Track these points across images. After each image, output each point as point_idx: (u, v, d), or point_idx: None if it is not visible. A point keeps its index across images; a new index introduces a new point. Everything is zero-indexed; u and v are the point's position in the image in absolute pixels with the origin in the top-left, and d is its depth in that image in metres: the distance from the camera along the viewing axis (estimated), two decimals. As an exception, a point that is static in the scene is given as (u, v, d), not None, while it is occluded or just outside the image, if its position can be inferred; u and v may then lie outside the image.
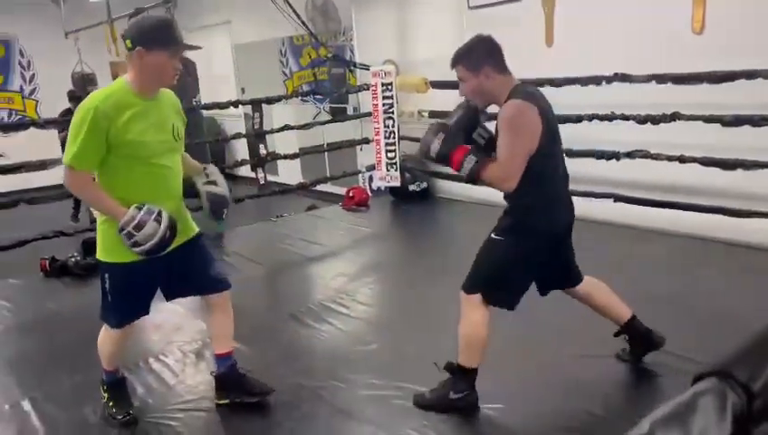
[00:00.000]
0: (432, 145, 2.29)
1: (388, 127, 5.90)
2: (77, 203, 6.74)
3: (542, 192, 2.31)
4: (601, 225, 4.74)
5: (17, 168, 4.49)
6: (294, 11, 5.71)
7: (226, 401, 2.60)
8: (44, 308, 4.00)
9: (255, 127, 5.87)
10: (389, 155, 5.95)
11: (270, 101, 5.99)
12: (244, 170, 8.70)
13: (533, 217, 2.33)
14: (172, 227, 2.23)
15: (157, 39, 2.16)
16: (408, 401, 2.55)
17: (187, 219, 2.46)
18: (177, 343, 3.28)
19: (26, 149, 6.28)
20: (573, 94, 4.66)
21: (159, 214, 2.20)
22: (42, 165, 4.57)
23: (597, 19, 4.71)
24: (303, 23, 5.85)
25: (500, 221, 2.42)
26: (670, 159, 4.26)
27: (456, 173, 2.30)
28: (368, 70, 6.08)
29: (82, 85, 7.75)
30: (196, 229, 2.49)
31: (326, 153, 7.49)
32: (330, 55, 6.74)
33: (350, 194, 6.17)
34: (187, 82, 5.42)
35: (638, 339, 2.64)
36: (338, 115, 7.44)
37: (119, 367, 2.60)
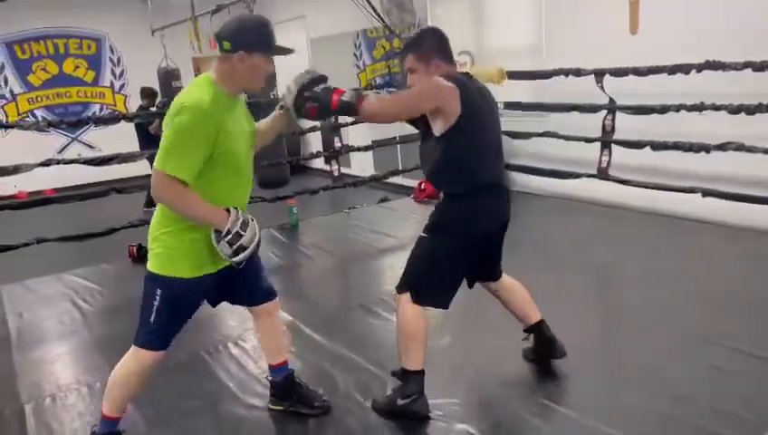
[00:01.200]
0: (311, 87, 2.18)
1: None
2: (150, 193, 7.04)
3: (467, 179, 2.29)
4: (688, 221, 4.52)
5: (109, 159, 4.75)
6: (370, 3, 5.73)
7: (280, 408, 2.55)
8: (132, 293, 4.19)
9: (331, 120, 5.94)
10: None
11: (344, 93, 6.04)
12: (318, 163, 8.87)
13: (459, 211, 2.31)
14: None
15: (259, 43, 2.05)
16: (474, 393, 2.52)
17: None
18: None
19: (116, 141, 6.66)
20: (659, 83, 4.45)
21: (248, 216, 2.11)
22: (131, 157, 4.81)
23: (686, 4, 4.47)
24: (379, 15, 5.86)
25: (429, 216, 2.42)
26: (767, 151, 3.99)
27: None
28: (442, 61, 6.03)
29: (167, 80, 8.10)
30: None
31: (398, 146, 7.50)
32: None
33: (422, 187, 6.15)
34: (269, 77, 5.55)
35: (543, 343, 2.68)
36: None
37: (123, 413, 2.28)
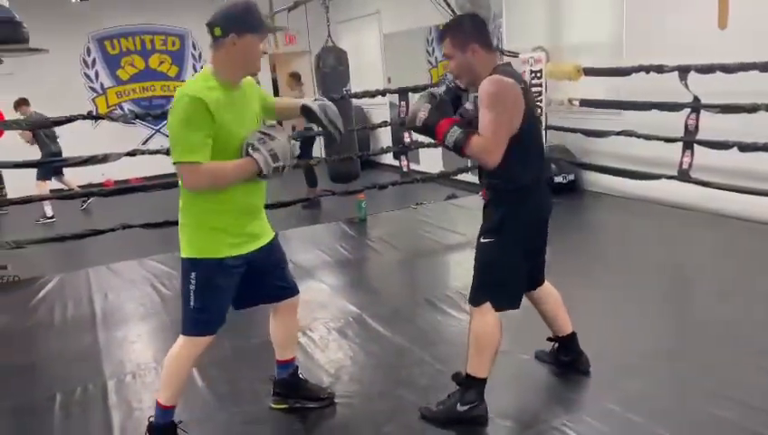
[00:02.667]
0: (419, 114, 2.23)
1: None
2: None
3: (530, 172, 2.27)
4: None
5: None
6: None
7: (284, 407, 2.56)
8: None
9: (401, 115, 5.98)
10: (535, 145, 5.77)
11: (416, 89, 6.06)
12: (388, 158, 8.93)
13: (524, 203, 2.28)
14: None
15: (248, 23, 2.07)
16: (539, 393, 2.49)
17: (267, 222, 2.38)
18: (323, 320, 3.46)
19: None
20: (749, 81, 4.21)
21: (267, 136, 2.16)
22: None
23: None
24: (453, 10, 5.83)
25: (485, 219, 2.35)
26: None
27: (440, 144, 2.23)
28: (516, 57, 5.94)
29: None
30: (273, 233, 2.38)
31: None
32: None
33: (492, 184, 6.07)
34: (339, 72, 5.65)
35: (569, 354, 2.66)
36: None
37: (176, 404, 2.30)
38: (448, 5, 5.81)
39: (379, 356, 3.01)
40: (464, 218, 5.55)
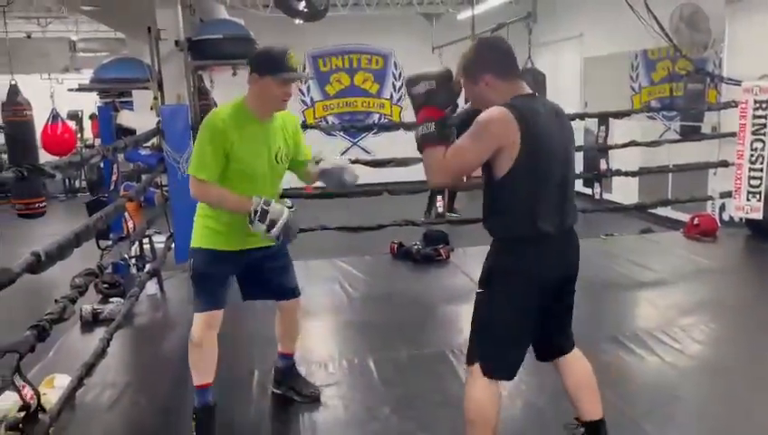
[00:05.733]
0: (418, 87, 1.98)
1: (756, 150, 5.15)
2: (431, 201, 7.52)
3: (528, 222, 1.93)
4: None
5: (385, 162, 5.27)
6: (658, 22, 5.39)
7: (279, 391, 2.87)
8: (390, 286, 4.62)
9: (600, 141, 5.74)
10: (752, 182, 5.19)
11: (618, 115, 5.79)
12: (577, 185, 8.63)
13: (517, 256, 1.97)
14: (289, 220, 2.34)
15: (268, 67, 2.30)
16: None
17: None
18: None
19: (389, 148, 7.32)
20: None
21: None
22: (404, 162, 5.26)
23: None
24: (667, 34, 5.48)
25: (483, 265, 2.05)
26: None
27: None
28: (738, 85, 5.40)
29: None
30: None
31: (670, 174, 6.91)
32: (691, 69, 6.18)
33: (695, 221, 5.57)
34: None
35: None
36: (689, 134, 6.78)
37: (213, 381, 2.52)
38: (662, 29, 5.47)
39: (553, 386, 2.91)
40: (659, 255, 5.16)
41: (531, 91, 2.01)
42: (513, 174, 1.90)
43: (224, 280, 2.53)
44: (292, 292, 2.72)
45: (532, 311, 2.00)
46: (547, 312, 2.05)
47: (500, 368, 2.02)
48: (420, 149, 1.98)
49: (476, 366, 2.01)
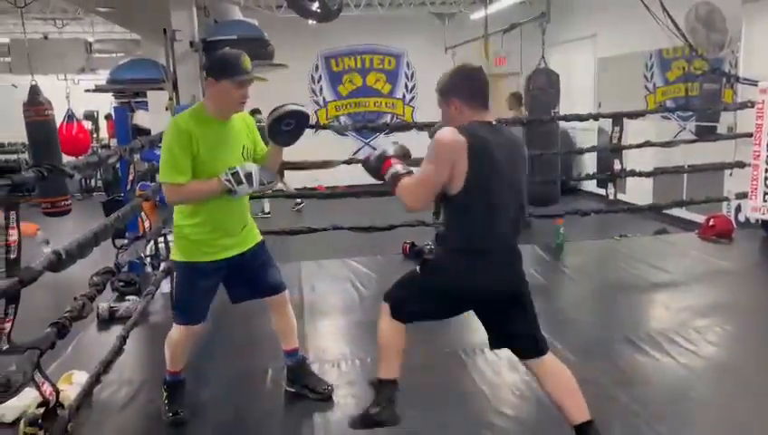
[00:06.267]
0: (378, 151, 2.37)
1: (772, 151, 5.09)
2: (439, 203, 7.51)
3: (466, 237, 2.19)
4: None
5: (397, 162, 5.28)
6: (674, 21, 5.36)
7: (293, 391, 2.89)
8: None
9: (614, 141, 5.72)
10: (769, 183, 5.14)
11: (633, 115, 5.76)
12: (590, 185, 8.58)
13: (449, 259, 2.25)
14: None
15: (223, 70, 2.42)
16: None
17: (253, 228, 2.73)
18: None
19: (402, 147, 7.33)
20: None
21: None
22: (416, 162, 5.27)
23: None
24: (683, 34, 5.44)
25: (427, 259, 2.43)
26: None
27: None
28: (755, 85, 5.35)
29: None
30: (260, 238, 2.74)
31: (685, 175, 6.86)
32: (706, 69, 6.13)
33: (711, 222, 5.52)
34: (549, 94, 5.59)
35: None
36: (704, 134, 6.72)
37: (182, 370, 2.79)
38: (678, 28, 5.44)
39: (569, 386, 2.92)
40: (673, 256, 5.13)
41: (490, 121, 2.22)
42: (462, 193, 2.12)
43: (205, 293, 2.65)
44: (276, 287, 2.79)
45: (444, 305, 2.30)
46: (499, 316, 2.29)
47: (402, 313, 2.35)
48: (392, 190, 2.29)
49: (387, 306, 2.38)
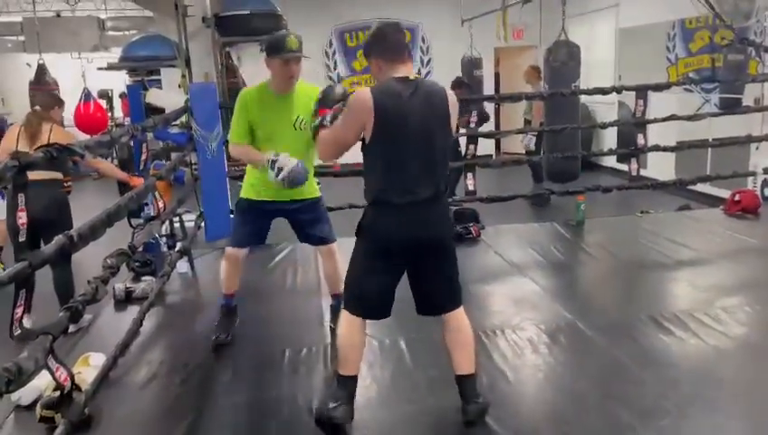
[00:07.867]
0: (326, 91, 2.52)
1: (805, 123, 4.92)
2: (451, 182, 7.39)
3: (380, 189, 2.26)
4: None
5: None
6: (700, -11, 5.15)
7: (333, 326, 3.16)
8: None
9: (638, 115, 5.56)
10: (799, 157, 4.97)
11: (658, 87, 5.58)
12: (610, 161, 8.39)
13: (374, 217, 2.30)
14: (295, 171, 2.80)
15: (272, 50, 2.83)
16: None
17: (309, 185, 3.05)
18: (533, 321, 3.38)
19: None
20: None
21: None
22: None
23: None
24: (709, 3, 5.24)
25: None
26: None
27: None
28: (783, 54, 5.15)
29: (470, 69, 8.46)
30: (316, 195, 3.13)
31: (709, 149, 6.67)
32: (732, 39, 5.90)
33: (737, 198, 5.38)
34: (570, 67, 5.43)
35: (462, 397, 2.43)
36: (730, 107, 6.51)
37: (234, 294, 3.23)
38: (704, -4, 5.23)
39: (593, 369, 2.85)
40: (697, 233, 5.01)
41: (406, 75, 2.26)
42: (370, 147, 2.24)
43: (250, 224, 3.12)
44: (324, 239, 3.18)
45: (378, 265, 2.31)
46: (416, 273, 2.37)
47: (352, 305, 2.39)
48: (314, 136, 2.46)
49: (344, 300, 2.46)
